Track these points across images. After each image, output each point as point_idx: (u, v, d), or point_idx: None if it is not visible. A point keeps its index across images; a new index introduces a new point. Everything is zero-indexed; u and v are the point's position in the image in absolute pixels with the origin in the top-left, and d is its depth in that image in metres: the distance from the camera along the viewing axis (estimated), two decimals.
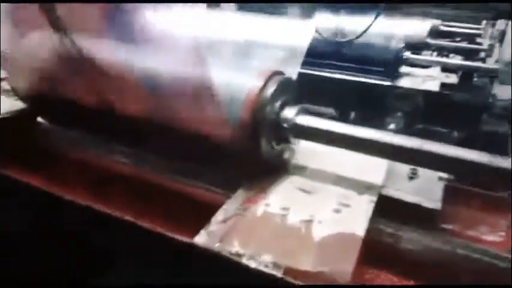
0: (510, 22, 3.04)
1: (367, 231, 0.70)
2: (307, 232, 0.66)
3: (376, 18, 1.82)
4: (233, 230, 0.65)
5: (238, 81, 0.79)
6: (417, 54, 2.78)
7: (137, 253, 0.66)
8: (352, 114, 2.68)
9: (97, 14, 0.83)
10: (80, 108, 0.84)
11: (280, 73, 0.80)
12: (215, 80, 0.80)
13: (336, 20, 2.68)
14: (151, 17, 0.90)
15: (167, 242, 0.63)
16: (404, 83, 2.30)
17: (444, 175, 0.90)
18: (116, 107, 0.79)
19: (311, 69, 2.60)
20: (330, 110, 2.57)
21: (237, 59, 0.99)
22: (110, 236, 0.69)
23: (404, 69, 2.52)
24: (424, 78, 2.33)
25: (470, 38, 4.19)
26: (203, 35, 1.06)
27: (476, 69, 2.38)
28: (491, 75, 2.45)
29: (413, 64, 2.55)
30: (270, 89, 0.76)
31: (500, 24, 3.45)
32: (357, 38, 2.06)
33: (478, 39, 3.72)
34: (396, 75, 2.41)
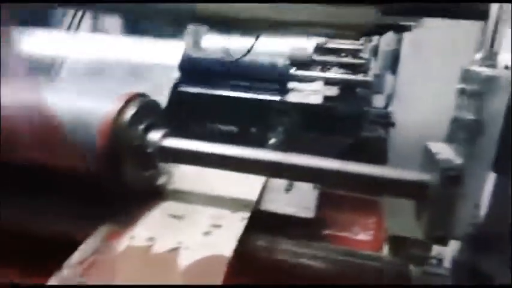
0: (381, 38, 3.40)
1: (243, 248, 0.69)
2: (173, 261, 0.62)
3: (257, 38, 1.88)
4: (89, 271, 0.59)
5: (94, 106, 0.73)
6: (303, 70, 2.97)
7: None
8: (252, 130, 2.73)
9: None
10: None
11: (143, 95, 0.76)
12: (70, 107, 0.73)
13: (225, 40, 2.74)
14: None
15: None
16: (291, 97, 2.43)
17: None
18: None
19: (208, 89, 2.61)
20: (231, 128, 2.60)
21: (99, 82, 0.93)
22: None
23: (291, 84, 2.66)
24: (309, 93, 2.49)
25: (354, 53, 4.61)
26: (65, 59, 0.98)
27: (353, 82, 2.63)
28: (367, 86, 2.72)
29: (299, 80, 2.71)
30: (129, 112, 0.71)
31: (375, 40, 3.86)
32: (244, 56, 2.11)
33: (361, 54, 4.12)
34: (284, 91, 2.53)
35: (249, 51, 1.99)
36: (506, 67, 0.63)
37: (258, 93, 2.48)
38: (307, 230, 0.88)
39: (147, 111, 0.76)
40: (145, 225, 0.71)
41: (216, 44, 2.77)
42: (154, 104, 0.79)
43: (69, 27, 1.42)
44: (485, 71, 0.58)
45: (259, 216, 0.82)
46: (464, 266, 0.77)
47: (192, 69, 2.64)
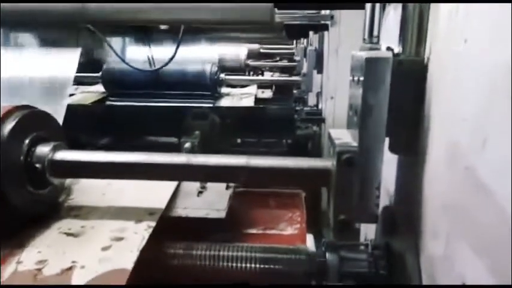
0: (307, 40, 3.50)
1: (150, 258, 0.65)
2: (66, 282, 0.57)
3: (178, 46, 1.85)
4: None
5: None
6: (235, 75, 2.97)
7: None
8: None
9: None
10: None
11: (27, 107, 0.70)
12: None
13: (150, 51, 2.68)
14: None
15: None
16: (224, 102, 2.42)
17: (231, 184, 0.92)
18: None
19: (138, 101, 2.53)
20: (173, 139, 2.52)
21: None
22: None
23: (224, 90, 2.66)
24: (242, 96, 2.50)
25: (288, 56, 4.71)
26: None
27: (285, 83, 2.68)
28: (297, 86, 2.78)
29: (231, 85, 2.71)
30: (8, 126, 0.65)
31: (303, 42, 3.97)
32: (166, 64, 2.07)
33: (295, 57, 4.21)
34: (217, 97, 2.52)
35: (171, 58, 1.95)
36: (389, 48, 0.66)
37: (190, 101, 2.44)
38: (225, 231, 0.86)
39: (34, 123, 0.70)
40: (37, 247, 0.64)
41: (141, 54, 2.70)
42: (43, 116, 0.73)
43: None
44: (367, 53, 0.60)
45: (170, 223, 0.78)
46: (380, 247, 0.78)
47: (120, 81, 2.55)
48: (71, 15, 0.76)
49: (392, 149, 0.66)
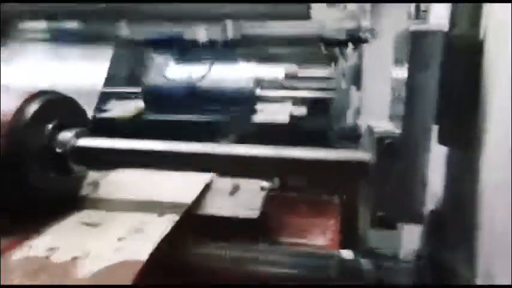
0: (345, 56, 3.43)
1: (170, 253, 0.60)
2: (74, 269, 0.52)
3: (213, 62, 1.85)
4: None
5: None
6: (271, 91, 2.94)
7: None
8: None
9: None
10: None
11: (52, 93, 0.69)
12: None
13: (190, 69, 2.71)
14: None
15: None
16: (259, 118, 2.39)
17: (266, 185, 0.87)
18: None
19: (176, 116, 2.54)
20: None
21: None
22: None
23: (259, 106, 2.63)
24: (277, 112, 2.46)
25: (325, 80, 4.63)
26: None
27: (319, 99, 2.61)
28: (332, 102, 2.71)
29: (266, 101, 2.68)
30: (32, 109, 0.63)
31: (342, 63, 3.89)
32: (203, 78, 2.07)
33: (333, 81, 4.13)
34: (251, 112, 2.49)
35: (209, 70, 1.95)
36: (438, 24, 0.58)
37: (226, 117, 2.43)
38: (256, 234, 0.79)
39: (59, 108, 0.68)
40: (52, 234, 0.61)
41: (181, 72, 2.73)
42: (69, 102, 0.71)
43: None
44: (413, 26, 0.53)
45: (197, 221, 0.73)
46: (425, 257, 0.69)
47: (160, 96, 2.59)
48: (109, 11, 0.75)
49: (441, 140, 0.58)
